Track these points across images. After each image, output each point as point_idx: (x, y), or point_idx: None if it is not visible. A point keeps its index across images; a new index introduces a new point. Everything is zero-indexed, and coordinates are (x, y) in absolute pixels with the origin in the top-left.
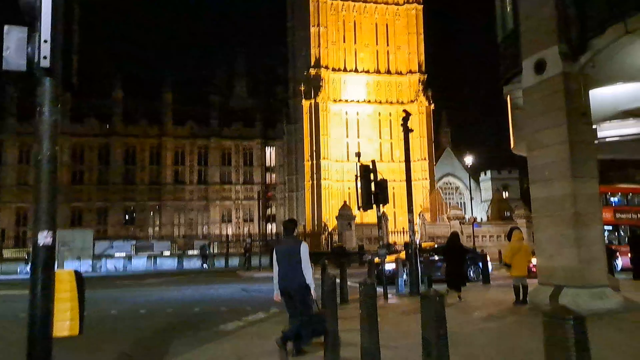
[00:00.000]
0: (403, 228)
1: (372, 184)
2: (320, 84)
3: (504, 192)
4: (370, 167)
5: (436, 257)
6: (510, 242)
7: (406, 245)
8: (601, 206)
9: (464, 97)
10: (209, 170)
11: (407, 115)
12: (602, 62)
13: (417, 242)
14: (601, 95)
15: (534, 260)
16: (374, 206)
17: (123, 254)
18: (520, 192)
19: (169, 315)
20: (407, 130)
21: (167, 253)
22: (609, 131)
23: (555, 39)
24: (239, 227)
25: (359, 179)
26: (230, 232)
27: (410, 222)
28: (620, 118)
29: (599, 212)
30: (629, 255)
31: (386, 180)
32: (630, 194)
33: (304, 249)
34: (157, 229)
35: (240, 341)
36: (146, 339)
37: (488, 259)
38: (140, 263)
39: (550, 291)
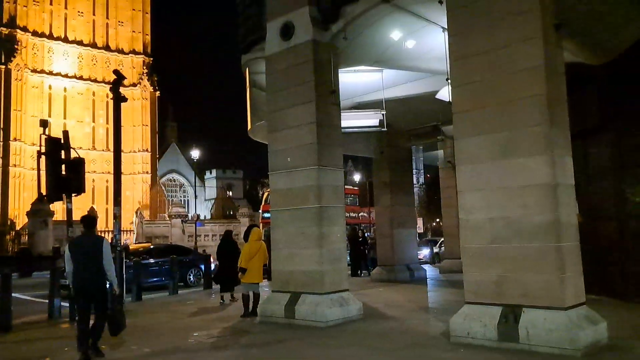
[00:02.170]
0: None
1: (63, 166)
2: (16, 47)
3: (228, 192)
4: (62, 141)
5: (151, 260)
6: (247, 242)
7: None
8: (344, 201)
9: (194, 93)
10: None
11: (119, 78)
12: (353, 34)
13: (126, 243)
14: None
15: None
16: (65, 197)
17: None
18: (243, 191)
19: None
20: (118, 99)
21: None
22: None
23: (306, 0)
24: None
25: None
26: None
27: (117, 217)
28: (356, 109)
29: (343, 207)
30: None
31: (82, 159)
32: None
33: (106, 244)
34: None
35: None
36: None
37: (212, 260)
38: None
39: (286, 299)
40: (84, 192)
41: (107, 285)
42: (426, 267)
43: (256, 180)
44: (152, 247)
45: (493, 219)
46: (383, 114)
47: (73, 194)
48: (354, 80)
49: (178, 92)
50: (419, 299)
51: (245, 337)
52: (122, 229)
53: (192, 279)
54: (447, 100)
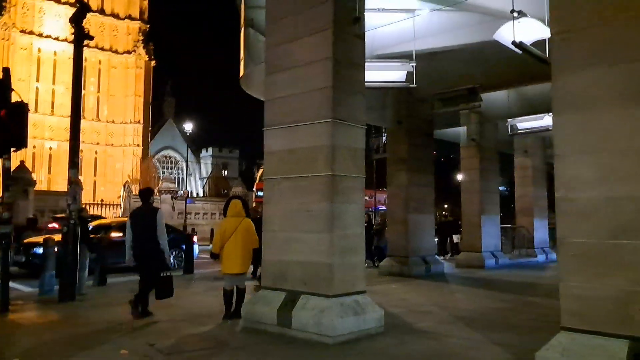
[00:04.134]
0: (102, 200)
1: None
2: (4, 4)
3: (224, 171)
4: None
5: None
6: (224, 218)
7: (64, 220)
8: (364, 169)
9: (194, 69)
10: None
11: (82, 8)
12: None
13: (85, 214)
14: None
15: None
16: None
17: None
18: (239, 171)
19: None
20: (81, 36)
21: None
22: None
23: None
24: None
25: None
26: None
27: (73, 182)
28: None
29: (362, 179)
30: None
31: (25, 105)
32: None
33: (160, 215)
34: None
35: None
36: None
37: (195, 240)
38: None
39: (280, 300)
40: (26, 146)
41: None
42: None
43: (253, 160)
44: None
45: (616, 199)
46: (413, 66)
47: (12, 149)
48: (377, 22)
49: (178, 67)
50: (447, 302)
51: (216, 355)
52: (109, 203)
53: (171, 261)
54: (511, 41)
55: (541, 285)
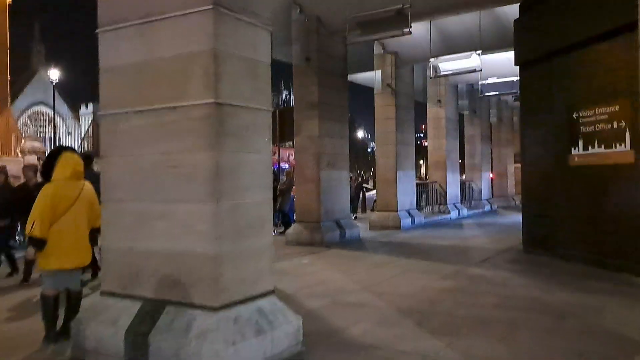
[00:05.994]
0: None
1: None
2: None
3: None
4: None
5: None
6: (50, 183)
7: None
8: (270, 95)
9: (67, 10)
10: None
11: None
12: None
13: None
14: None
15: None
16: None
17: None
18: None
19: None
20: None
21: None
22: None
23: None
24: None
25: None
26: None
27: None
28: None
29: (269, 111)
30: None
31: None
32: None
33: None
34: None
35: None
36: None
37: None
38: None
39: (132, 314)
40: None
41: None
42: None
43: None
44: None
45: None
46: None
47: None
48: None
49: (47, 7)
50: (379, 284)
51: None
52: None
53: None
54: None
55: (471, 249)
